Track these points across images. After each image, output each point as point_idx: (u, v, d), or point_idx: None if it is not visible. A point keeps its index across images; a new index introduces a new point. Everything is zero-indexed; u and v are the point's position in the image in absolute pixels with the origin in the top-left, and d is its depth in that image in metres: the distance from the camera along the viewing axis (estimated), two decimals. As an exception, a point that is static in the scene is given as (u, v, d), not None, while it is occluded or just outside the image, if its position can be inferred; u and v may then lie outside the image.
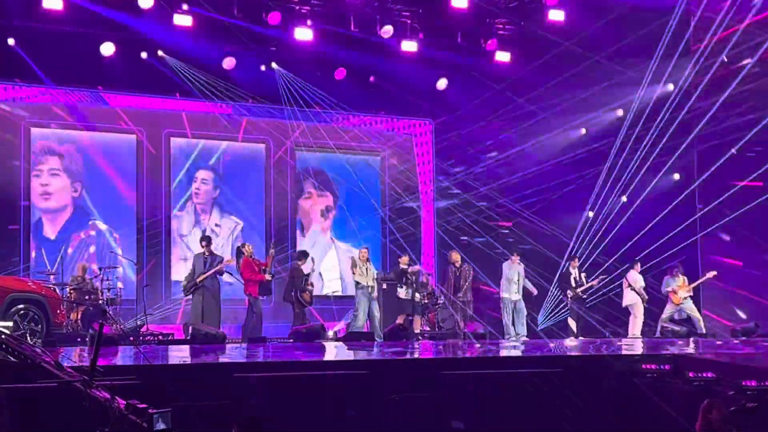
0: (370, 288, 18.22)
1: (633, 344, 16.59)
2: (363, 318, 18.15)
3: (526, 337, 18.78)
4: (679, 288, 19.07)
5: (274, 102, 21.46)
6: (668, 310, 19.20)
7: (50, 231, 20.13)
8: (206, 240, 18.00)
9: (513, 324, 18.94)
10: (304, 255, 18.82)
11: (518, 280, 19.04)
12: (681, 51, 20.09)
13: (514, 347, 15.95)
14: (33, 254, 19.72)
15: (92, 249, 20.38)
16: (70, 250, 20.06)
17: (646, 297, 19.51)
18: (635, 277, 19.52)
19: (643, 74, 20.16)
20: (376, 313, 18.16)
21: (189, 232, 21.11)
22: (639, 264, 19.68)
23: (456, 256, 19.21)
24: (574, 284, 19.57)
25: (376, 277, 18.65)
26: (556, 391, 10.43)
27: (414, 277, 19.08)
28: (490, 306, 20.42)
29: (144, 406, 5.68)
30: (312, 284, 18.44)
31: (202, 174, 21.64)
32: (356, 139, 22.68)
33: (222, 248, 20.42)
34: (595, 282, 19.68)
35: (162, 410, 5.68)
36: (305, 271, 18.33)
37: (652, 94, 20.41)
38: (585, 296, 19.66)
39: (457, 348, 15.35)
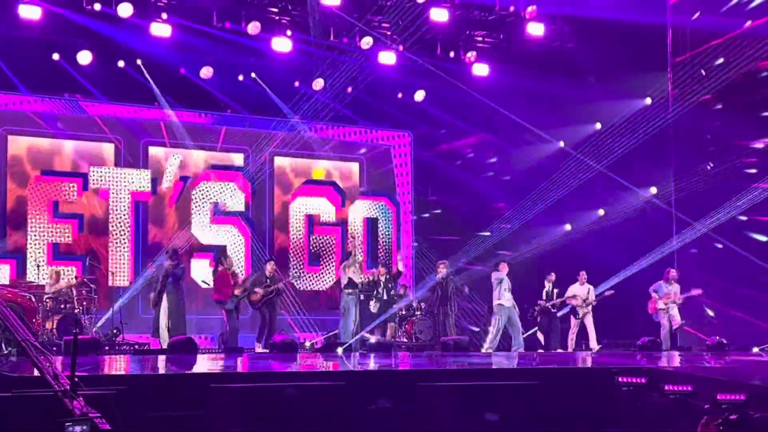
0: (358, 291, 18.18)
1: (608, 357, 16.59)
2: (352, 324, 18.06)
3: (523, 349, 18.61)
4: (666, 297, 18.97)
5: (252, 111, 21.45)
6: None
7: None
8: (173, 252, 17.89)
9: (511, 336, 18.65)
10: (270, 260, 18.98)
11: (508, 289, 18.82)
12: (659, 65, 20.25)
13: (489, 359, 15.92)
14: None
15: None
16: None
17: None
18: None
19: (622, 88, 20.27)
20: (358, 319, 18.12)
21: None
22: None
23: (443, 268, 19.14)
24: (544, 297, 19.47)
25: (364, 279, 18.60)
26: (531, 403, 10.43)
27: (386, 290, 18.96)
28: (466, 317, 20.41)
29: (95, 414, 5.71)
30: (270, 288, 18.27)
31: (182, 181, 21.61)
32: (335, 150, 22.67)
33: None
34: (557, 302, 19.49)
35: (78, 418, 5.71)
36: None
37: (630, 108, 20.53)
38: (554, 310, 19.52)
39: (435, 359, 15.32)
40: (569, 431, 10.43)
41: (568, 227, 21.59)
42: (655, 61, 20.53)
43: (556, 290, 19.57)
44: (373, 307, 18.67)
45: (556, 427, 10.34)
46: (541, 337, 19.43)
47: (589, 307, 19.40)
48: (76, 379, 6.54)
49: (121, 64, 19.85)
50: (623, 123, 20.45)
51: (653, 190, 21.16)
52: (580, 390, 10.97)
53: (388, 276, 19.28)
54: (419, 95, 21.96)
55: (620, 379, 11.02)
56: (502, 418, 10.18)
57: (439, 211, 23.24)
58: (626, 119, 20.46)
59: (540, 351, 18.87)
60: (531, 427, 10.10)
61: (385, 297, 18.91)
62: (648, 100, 20.96)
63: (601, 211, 21.06)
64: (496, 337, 18.58)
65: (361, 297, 18.96)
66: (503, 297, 18.54)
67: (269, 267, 18.55)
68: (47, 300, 17.41)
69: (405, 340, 19.42)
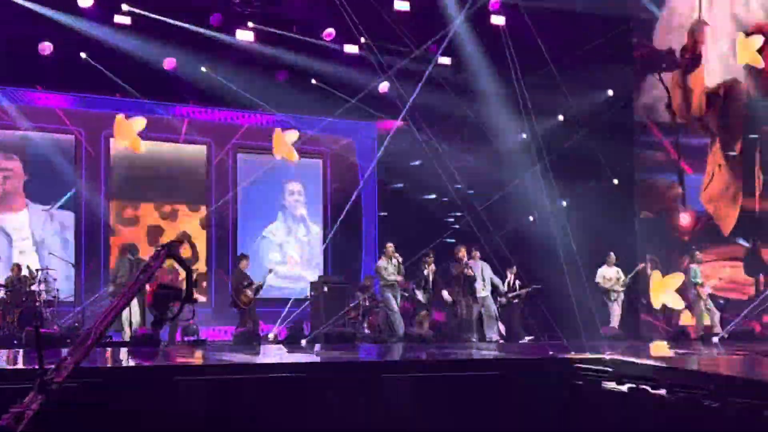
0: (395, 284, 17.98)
1: (570, 347, 16.62)
2: (399, 318, 17.80)
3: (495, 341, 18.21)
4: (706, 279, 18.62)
5: (215, 103, 21.33)
6: (700, 309, 18.60)
7: None
8: (132, 247, 17.74)
9: (481, 327, 18.37)
10: (244, 257, 18.73)
11: (484, 278, 18.59)
12: (623, 57, 20.38)
13: (451, 350, 15.88)
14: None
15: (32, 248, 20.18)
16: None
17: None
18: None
19: (584, 80, 20.33)
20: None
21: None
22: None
23: (463, 252, 18.64)
24: (507, 288, 19.37)
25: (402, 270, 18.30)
26: (494, 394, 10.47)
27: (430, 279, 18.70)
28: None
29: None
30: (254, 286, 18.18)
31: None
32: (298, 142, 22.61)
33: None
34: (523, 292, 19.41)
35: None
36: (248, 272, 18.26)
37: (593, 100, 20.61)
38: (516, 301, 19.44)
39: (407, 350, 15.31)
40: (530, 422, 10.46)
41: (531, 218, 21.63)
42: (618, 53, 20.62)
43: (518, 281, 19.54)
44: (423, 297, 18.53)
45: (517, 418, 10.38)
46: (502, 327, 19.29)
47: (622, 290, 19.25)
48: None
49: (83, 55, 19.65)
50: (586, 114, 20.54)
51: (615, 181, 21.25)
52: (541, 381, 11.00)
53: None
54: (383, 87, 21.85)
55: (583, 369, 11.07)
56: (462, 408, 10.21)
57: (405, 203, 23.17)
58: (589, 111, 20.55)
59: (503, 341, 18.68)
60: (491, 418, 10.15)
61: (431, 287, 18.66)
62: (610, 92, 21.08)
63: (564, 203, 21.10)
64: (489, 324, 18.45)
65: (325, 289, 18.92)
66: (476, 288, 18.49)
67: (245, 263, 18.44)
68: (7, 293, 17.25)
69: (368, 332, 19.30)
